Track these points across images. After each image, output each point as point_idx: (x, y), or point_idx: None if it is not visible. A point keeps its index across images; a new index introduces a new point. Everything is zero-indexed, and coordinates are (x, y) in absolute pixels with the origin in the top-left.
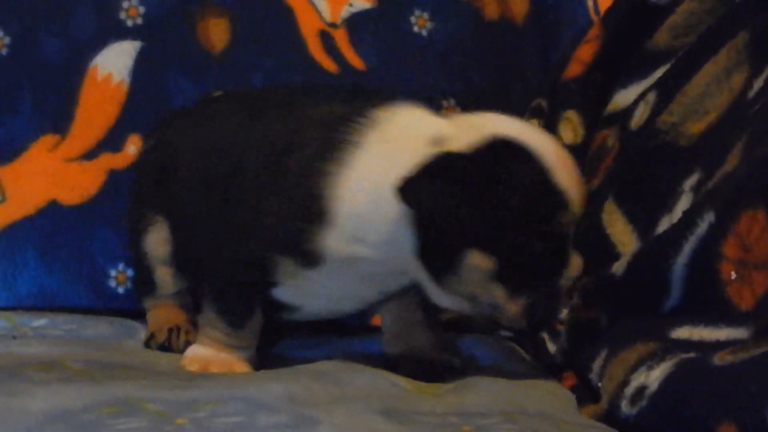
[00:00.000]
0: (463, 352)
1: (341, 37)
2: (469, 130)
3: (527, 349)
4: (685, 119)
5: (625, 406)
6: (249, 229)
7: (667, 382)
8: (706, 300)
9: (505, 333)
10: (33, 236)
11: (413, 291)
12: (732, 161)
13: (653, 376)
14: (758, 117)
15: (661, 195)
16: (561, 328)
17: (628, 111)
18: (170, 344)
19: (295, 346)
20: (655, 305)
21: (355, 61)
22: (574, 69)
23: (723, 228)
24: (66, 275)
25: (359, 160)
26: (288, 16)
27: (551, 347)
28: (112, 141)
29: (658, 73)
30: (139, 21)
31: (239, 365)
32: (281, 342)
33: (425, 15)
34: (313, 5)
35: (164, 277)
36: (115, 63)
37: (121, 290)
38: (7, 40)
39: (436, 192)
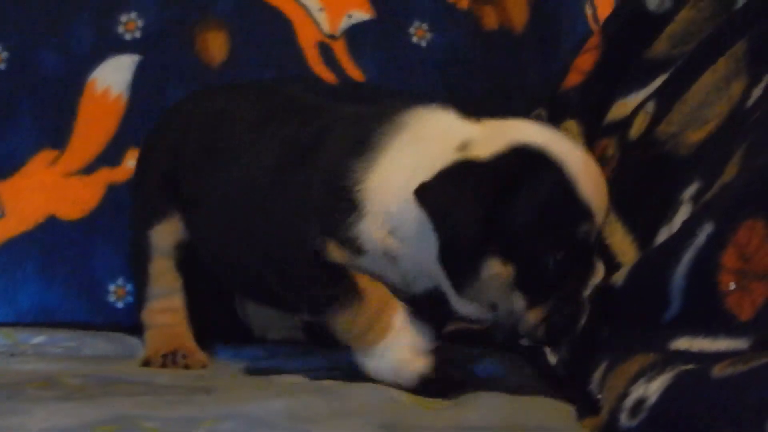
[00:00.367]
0: (463, 365)
1: (340, 49)
2: (496, 136)
3: (528, 362)
4: (685, 128)
5: (624, 419)
6: (297, 219)
7: (666, 394)
8: (706, 311)
9: (524, 342)
10: (32, 251)
11: (433, 297)
12: (731, 171)
13: (653, 388)
14: (757, 126)
15: (660, 205)
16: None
17: (628, 120)
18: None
19: (297, 357)
20: (655, 316)
21: (354, 73)
22: (573, 78)
23: (722, 238)
24: (65, 290)
25: (388, 158)
26: (286, 28)
27: (552, 359)
28: (111, 155)
29: (658, 82)
30: (138, 35)
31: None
32: (283, 352)
33: (424, 26)
34: (312, 17)
35: (163, 269)
36: (113, 77)
37: (120, 305)
38: (5, 54)
39: (450, 198)
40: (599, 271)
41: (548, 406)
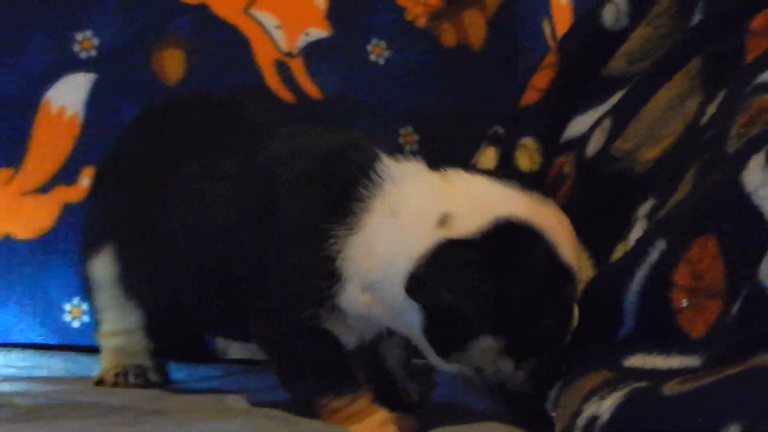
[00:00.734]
0: (423, 392)
1: (298, 67)
2: (476, 209)
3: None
4: (640, 146)
5: None
6: (292, 291)
7: (617, 412)
8: (659, 328)
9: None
10: None
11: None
12: (684, 188)
13: (604, 406)
14: (710, 144)
15: (616, 223)
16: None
17: (585, 138)
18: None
19: (253, 375)
20: (610, 333)
21: (312, 90)
22: (530, 96)
23: (675, 256)
24: (21, 310)
25: (367, 226)
26: (244, 46)
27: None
28: (66, 174)
29: (614, 99)
30: (93, 53)
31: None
32: (239, 371)
33: (382, 43)
34: (270, 35)
35: (107, 300)
36: (68, 96)
37: (76, 324)
38: None
39: (444, 287)
40: (575, 318)
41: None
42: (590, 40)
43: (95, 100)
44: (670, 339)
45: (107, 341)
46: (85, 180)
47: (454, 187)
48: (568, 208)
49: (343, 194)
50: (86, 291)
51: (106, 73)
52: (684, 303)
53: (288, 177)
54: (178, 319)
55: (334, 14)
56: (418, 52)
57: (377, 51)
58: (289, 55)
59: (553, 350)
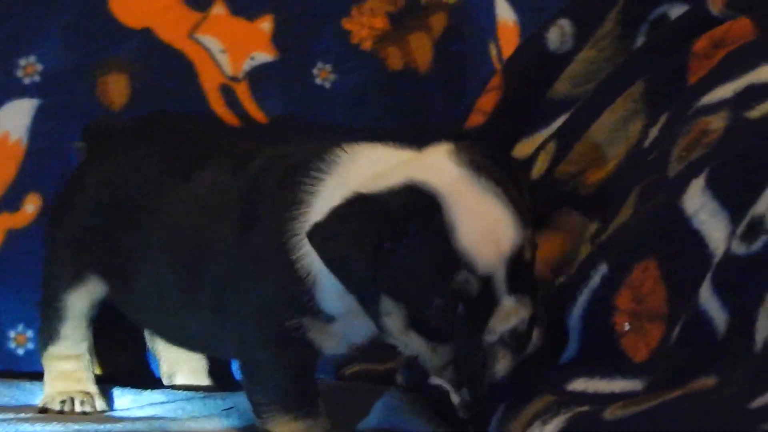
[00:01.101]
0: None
1: (243, 91)
2: (399, 169)
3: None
4: (584, 169)
5: None
6: (271, 302)
7: None
8: (602, 352)
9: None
10: None
11: None
12: (626, 212)
13: (547, 431)
14: (652, 167)
15: None
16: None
17: (530, 160)
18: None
19: (197, 401)
20: (554, 357)
21: (258, 115)
22: (475, 119)
23: (616, 280)
24: None
25: (317, 210)
26: (189, 71)
27: (454, 399)
28: (9, 200)
29: (559, 121)
30: (37, 78)
31: None
32: (183, 397)
33: (328, 67)
34: (214, 59)
35: (73, 330)
36: (12, 122)
37: (21, 352)
38: None
39: (335, 233)
40: (510, 315)
41: None
42: (535, 62)
43: (39, 126)
44: (613, 362)
45: (54, 365)
46: (30, 206)
47: (396, 158)
48: None
49: (298, 183)
50: (49, 319)
51: (50, 98)
52: (626, 327)
53: (258, 183)
54: (171, 336)
55: (279, 38)
56: (364, 76)
57: (323, 74)
58: (235, 79)
59: (467, 343)
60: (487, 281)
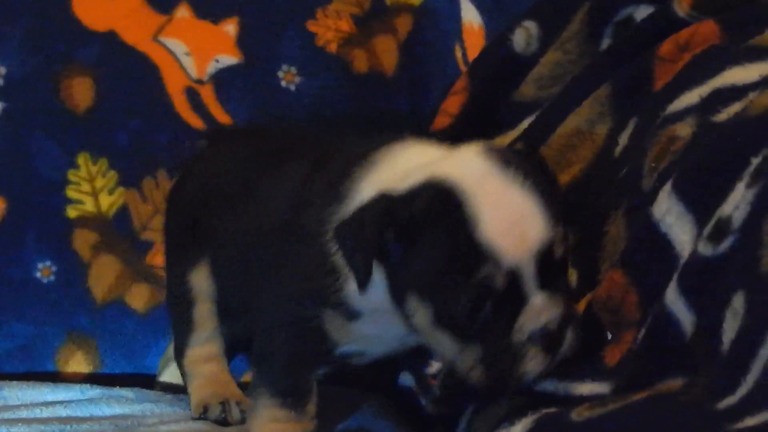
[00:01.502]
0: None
1: (208, 94)
2: (425, 167)
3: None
4: None
5: None
6: (296, 290)
7: None
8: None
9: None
10: None
11: None
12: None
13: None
14: (628, 184)
15: None
16: (433, 383)
17: None
18: (225, 418)
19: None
20: None
21: (223, 118)
22: (441, 121)
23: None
24: None
25: (350, 209)
26: (153, 74)
27: (423, 400)
28: None
29: (525, 124)
30: (1, 82)
31: None
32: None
33: (293, 69)
34: (179, 62)
35: (205, 314)
36: None
37: None
38: None
39: (346, 236)
40: (541, 312)
41: None
42: (501, 65)
43: (3, 129)
44: (585, 365)
45: (199, 368)
46: None
47: (430, 157)
48: None
49: (336, 186)
50: (180, 305)
51: (14, 101)
52: (609, 336)
53: (310, 178)
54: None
55: (244, 41)
56: (330, 78)
57: (288, 77)
58: (199, 82)
59: (496, 341)
60: (513, 276)
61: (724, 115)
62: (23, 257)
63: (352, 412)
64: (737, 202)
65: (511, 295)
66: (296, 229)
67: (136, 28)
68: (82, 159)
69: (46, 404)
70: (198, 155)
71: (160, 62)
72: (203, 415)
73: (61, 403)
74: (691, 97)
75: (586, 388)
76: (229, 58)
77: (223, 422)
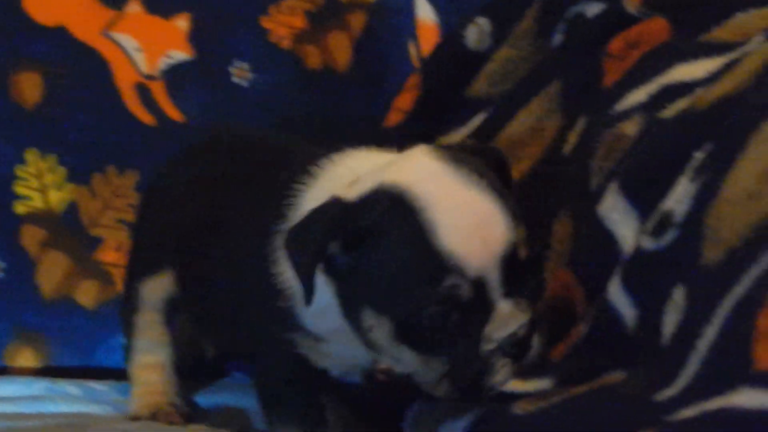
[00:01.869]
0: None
1: (159, 90)
2: (376, 173)
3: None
4: None
5: None
6: (261, 316)
7: (470, 430)
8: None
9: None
10: None
11: None
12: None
13: (457, 427)
14: (575, 185)
15: None
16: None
17: None
18: None
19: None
20: None
21: (174, 114)
22: (394, 118)
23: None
24: None
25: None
26: (103, 70)
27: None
28: None
29: (477, 120)
30: None
31: None
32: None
33: (245, 65)
34: (130, 57)
35: (149, 323)
36: None
37: None
38: None
39: (289, 245)
40: (508, 320)
41: None
42: (453, 61)
43: None
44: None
45: (140, 375)
46: None
47: (379, 162)
48: None
49: (279, 201)
50: (128, 311)
51: None
52: None
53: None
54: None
55: (196, 36)
56: (282, 75)
57: (240, 73)
58: (150, 77)
59: (462, 352)
60: (479, 285)
61: (670, 112)
62: None
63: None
64: (680, 197)
65: (476, 304)
66: (249, 250)
67: (86, 23)
68: (30, 155)
69: None
70: (172, 161)
71: (111, 58)
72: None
73: (9, 399)
74: (639, 95)
75: (531, 385)
76: (181, 54)
77: None
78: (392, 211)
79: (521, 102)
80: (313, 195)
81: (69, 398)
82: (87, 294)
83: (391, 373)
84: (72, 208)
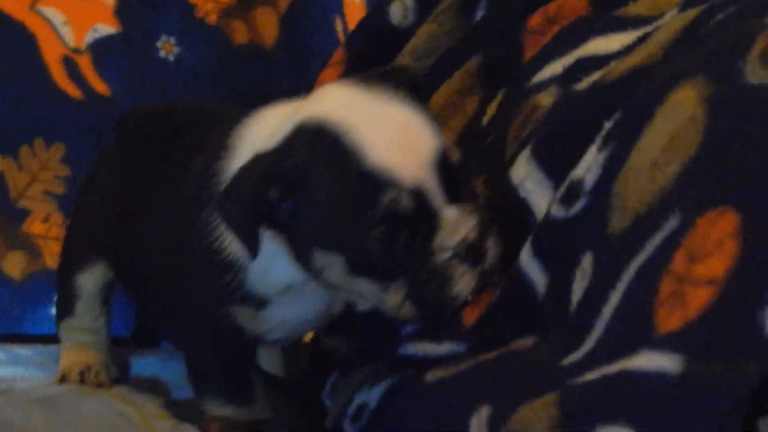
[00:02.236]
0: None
1: (85, 63)
2: (291, 118)
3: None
4: None
5: (347, 425)
6: (196, 294)
7: (384, 399)
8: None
9: None
10: None
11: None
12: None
13: (373, 394)
14: (491, 155)
15: None
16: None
17: None
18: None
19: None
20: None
21: (101, 87)
22: None
23: None
24: None
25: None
26: (30, 43)
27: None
28: None
29: None
30: None
31: None
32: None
33: (172, 40)
34: (56, 31)
35: (87, 310)
36: None
37: None
38: None
39: (238, 200)
40: (458, 225)
41: None
42: (378, 37)
43: None
44: (447, 328)
45: (71, 336)
46: None
47: (290, 114)
48: None
49: (210, 158)
50: (63, 299)
51: None
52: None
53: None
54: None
55: (122, 10)
56: (209, 50)
57: (167, 48)
58: (77, 51)
59: (418, 270)
60: (418, 194)
61: (584, 84)
62: None
63: None
64: (589, 165)
65: (420, 216)
66: (183, 224)
67: None
68: None
69: None
70: (107, 149)
71: (37, 31)
72: (62, 381)
73: None
74: (555, 68)
75: (444, 348)
76: (108, 28)
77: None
78: (316, 145)
79: (443, 77)
80: (238, 155)
81: None
82: (14, 265)
83: None
84: None
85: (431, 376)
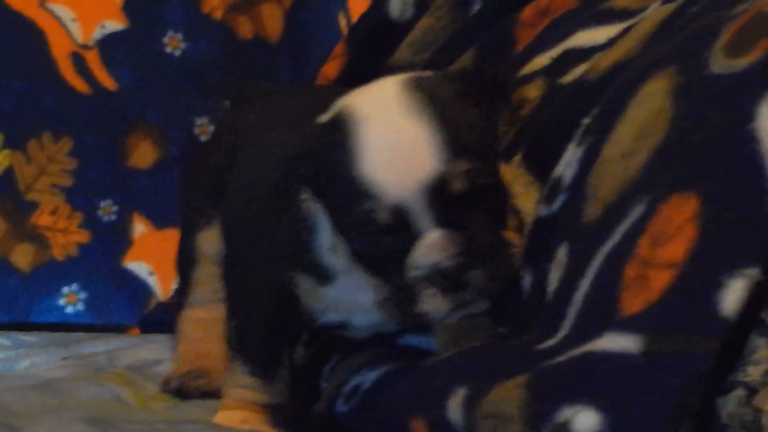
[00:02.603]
0: None
1: (93, 58)
2: (343, 100)
3: None
4: None
5: (339, 404)
6: (270, 249)
7: (378, 380)
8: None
9: None
10: None
11: None
12: None
13: (370, 377)
14: None
15: None
16: None
17: None
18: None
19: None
20: None
21: (108, 82)
22: None
23: None
24: None
25: None
26: (39, 39)
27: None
28: None
29: None
30: None
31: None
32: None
33: (178, 35)
34: (65, 27)
35: (206, 276)
36: None
37: None
38: None
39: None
40: (433, 249)
41: None
42: (378, 31)
43: None
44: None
45: (187, 330)
46: None
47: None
48: None
49: (306, 131)
50: (183, 264)
51: None
52: None
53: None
54: None
55: (130, 6)
56: (215, 44)
57: (173, 43)
58: (85, 47)
59: (395, 278)
60: (399, 212)
61: (570, 77)
62: None
63: None
64: (568, 161)
65: (399, 231)
66: (277, 183)
67: None
68: None
69: None
70: (226, 116)
71: (46, 27)
72: (163, 387)
73: None
74: (543, 60)
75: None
76: (115, 24)
77: (183, 395)
78: (338, 133)
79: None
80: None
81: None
82: (22, 257)
83: None
84: (8, 173)
85: (422, 363)
